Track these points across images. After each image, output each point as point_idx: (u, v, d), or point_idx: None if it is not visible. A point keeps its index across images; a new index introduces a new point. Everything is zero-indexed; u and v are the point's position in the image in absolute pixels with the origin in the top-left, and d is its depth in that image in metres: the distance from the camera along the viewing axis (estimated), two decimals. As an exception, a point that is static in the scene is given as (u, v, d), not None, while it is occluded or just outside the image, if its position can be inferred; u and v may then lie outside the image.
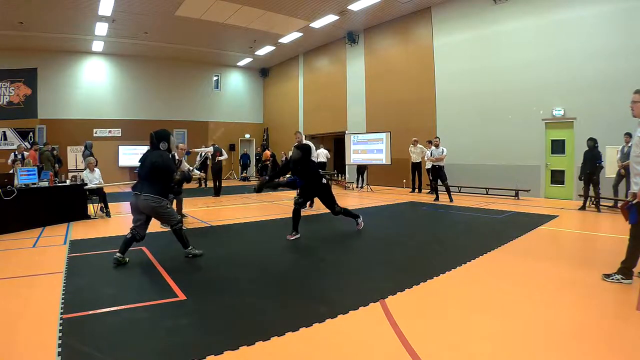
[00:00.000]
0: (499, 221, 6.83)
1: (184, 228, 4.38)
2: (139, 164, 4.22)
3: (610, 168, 7.99)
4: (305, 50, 17.22)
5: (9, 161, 10.81)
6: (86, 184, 7.24)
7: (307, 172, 5.52)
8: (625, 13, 8.28)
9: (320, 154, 12.99)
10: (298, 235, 5.32)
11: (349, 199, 10.70)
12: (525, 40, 9.91)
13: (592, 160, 7.68)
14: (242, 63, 19.06)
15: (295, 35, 14.57)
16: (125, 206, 8.97)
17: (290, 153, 8.36)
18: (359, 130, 14.29)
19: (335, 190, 12.07)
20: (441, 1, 11.70)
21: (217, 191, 10.87)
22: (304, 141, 8.37)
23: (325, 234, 5.90)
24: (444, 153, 9.61)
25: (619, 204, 4.26)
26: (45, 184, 6.66)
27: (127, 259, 4.14)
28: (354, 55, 15.01)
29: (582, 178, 7.89)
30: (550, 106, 9.50)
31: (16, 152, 10.99)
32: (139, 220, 4.18)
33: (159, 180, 4.06)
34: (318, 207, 8.45)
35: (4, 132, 14.43)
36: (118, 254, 4.09)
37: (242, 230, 6.23)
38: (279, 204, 8.35)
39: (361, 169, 13.42)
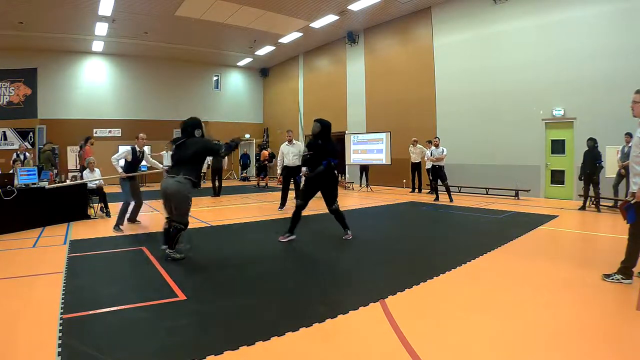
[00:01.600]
0: (499, 221, 6.83)
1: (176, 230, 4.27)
2: (174, 148, 4.32)
3: (610, 168, 7.99)
4: (305, 50, 17.22)
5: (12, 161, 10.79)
6: (86, 183, 7.25)
7: (325, 150, 5.09)
8: (625, 13, 8.29)
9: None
10: (293, 237, 5.18)
11: (350, 199, 10.69)
12: (525, 40, 9.91)
13: (592, 161, 7.68)
14: (242, 63, 19.06)
15: (295, 35, 14.58)
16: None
17: (280, 151, 8.34)
18: (359, 130, 14.29)
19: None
20: (441, 1, 11.70)
21: (218, 191, 10.85)
22: (295, 140, 8.42)
23: (324, 234, 5.89)
24: (444, 153, 9.61)
25: (619, 204, 4.26)
26: (45, 184, 6.66)
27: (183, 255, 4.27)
28: (354, 55, 15.01)
29: (582, 178, 7.89)
30: (550, 106, 9.50)
31: (18, 152, 10.93)
32: (167, 207, 4.27)
33: (199, 166, 4.27)
34: (318, 207, 8.45)
35: (4, 132, 14.44)
36: (163, 246, 4.29)
37: (242, 231, 6.23)
38: (278, 204, 8.35)
39: (363, 168, 13.33)
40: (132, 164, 6.36)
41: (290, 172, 8.25)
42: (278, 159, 8.47)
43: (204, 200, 10.13)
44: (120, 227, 6.08)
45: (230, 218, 7.29)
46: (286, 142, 8.30)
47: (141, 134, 6.61)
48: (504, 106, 10.37)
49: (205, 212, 8.10)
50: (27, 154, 10.93)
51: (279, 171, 8.62)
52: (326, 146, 5.14)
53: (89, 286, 3.42)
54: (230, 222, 6.80)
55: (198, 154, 4.23)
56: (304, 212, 7.79)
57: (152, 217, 7.61)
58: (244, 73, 20.19)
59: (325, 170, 5.08)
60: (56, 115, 15.21)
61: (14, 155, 10.88)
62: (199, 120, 4.44)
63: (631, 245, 3.38)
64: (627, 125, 6.74)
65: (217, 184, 10.94)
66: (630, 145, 7.12)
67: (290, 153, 8.18)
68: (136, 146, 6.43)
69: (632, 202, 3.30)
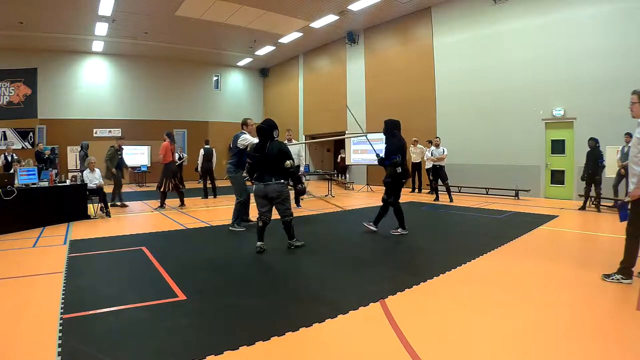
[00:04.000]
0: (499, 221, 6.83)
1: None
2: (256, 154, 4.42)
3: (610, 168, 7.99)
4: (305, 50, 17.22)
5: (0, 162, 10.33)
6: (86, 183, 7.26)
7: (386, 150, 5.44)
8: (625, 13, 8.28)
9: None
10: (406, 232, 5.48)
11: (350, 199, 10.70)
12: (525, 40, 9.91)
13: (594, 160, 7.68)
14: (242, 63, 19.06)
15: (295, 35, 14.58)
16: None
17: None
18: (359, 131, 14.27)
19: (335, 190, 12.10)
20: (441, 1, 11.70)
21: (213, 192, 10.47)
22: (292, 140, 8.34)
23: (324, 234, 5.89)
24: (444, 153, 9.61)
25: (618, 204, 4.27)
26: (45, 184, 6.66)
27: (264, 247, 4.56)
28: (354, 55, 15.02)
29: (584, 178, 7.88)
30: (550, 106, 9.50)
31: (6, 154, 10.69)
32: (265, 206, 4.52)
33: (283, 168, 4.38)
34: (316, 207, 8.45)
35: (4, 132, 14.43)
36: (259, 243, 4.53)
37: (242, 230, 6.22)
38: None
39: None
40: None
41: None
42: None
43: (203, 200, 10.11)
44: (238, 225, 5.99)
45: (230, 218, 7.28)
46: (285, 142, 8.24)
47: (249, 120, 6.37)
48: (504, 106, 10.37)
49: (205, 212, 8.10)
50: (14, 155, 10.69)
51: None
52: (387, 145, 5.45)
53: (89, 286, 3.42)
54: (230, 222, 6.78)
55: (282, 157, 4.36)
56: (302, 213, 7.84)
57: (153, 217, 7.61)
58: (244, 73, 20.19)
59: (388, 166, 5.43)
60: (56, 115, 15.21)
61: (2, 157, 10.38)
62: (274, 121, 4.58)
63: (629, 245, 3.38)
64: (627, 125, 6.72)
65: (208, 185, 10.52)
66: (630, 145, 7.14)
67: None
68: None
69: (626, 200, 3.31)
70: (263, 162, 4.41)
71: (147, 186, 14.27)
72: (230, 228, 6.00)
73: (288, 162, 4.35)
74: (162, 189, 8.36)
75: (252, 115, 20.16)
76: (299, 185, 4.45)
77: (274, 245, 4.99)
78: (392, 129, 5.53)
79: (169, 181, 8.33)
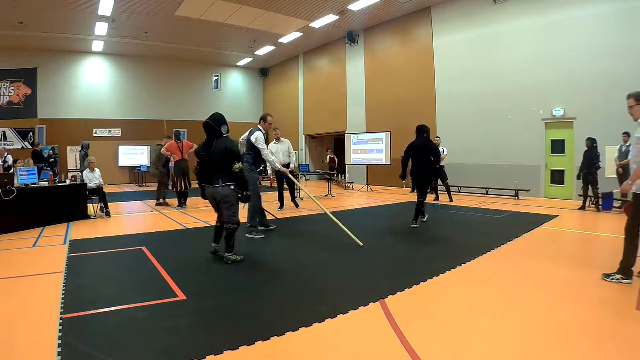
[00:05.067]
0: (499, 221, 6.83)
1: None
2: (202, 154, 4.06)
3: (610, 168, 7.99)
4: (305, 50, 17.23)
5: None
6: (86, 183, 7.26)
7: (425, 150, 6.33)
8: (625, 13, 8.28)
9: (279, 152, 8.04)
10: (417, 226, 6.13)
11: (350, 199, 10.70)
12: (526, 40, 9.91)
13: (590, 160, 7.69)
14: (242, 63, 19.06)
15: (295, 35, 14.58)
16: (125, 206, 8.97)
17: (269, 150, 8.01)
18: (359, 130, 14.29)
19: (335, 190, 12.10)
20: (441, 1, 11.71)
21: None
22: (283, 138, 8.24)
23: (324, 234, 5.89)
24: (444, 153, 9.62)
25: (623, 205, 4.27)
26: (45, 184, 6.66)
27: (242, 257, 4.23)
28: (354, 55, 15.02)
29: (580, 177, 7.88)
30: (550, 106, 9.50)
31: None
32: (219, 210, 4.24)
33: (231, 169, 3.92)
34: (316, 208, 8.45)
35: (4, 132, 14.44)
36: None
37: (242, 231, 6.20)
38: (277, 204, 8.35)
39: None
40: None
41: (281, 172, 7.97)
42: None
43: (203, 200, 10.08)
44: (256, 232, 5.47)
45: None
46: (274, 141, 8.14)
47: (269, 117, 6.02)
48: (504, 106, 10.37)
49: (205, 212, 8.09)
50: (9, 156, 10.63)
51: (269, 171, 8.50)
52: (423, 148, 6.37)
53: (89, 286, 3.42)
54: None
55: (229, 156, 3.92)
56: (302, 213, 7.84)
57: (153, 217, 7.61)
58: (244, 73, 20.19)
59: (403, 161, 6.50)
60: (56, 115, 15.21)
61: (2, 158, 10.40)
62: (222, 115, 4.18)
63: (628, 245, 3.39)
64: (626, 125, 6.69)
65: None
66: (628, 144, 7.16)
67: (280, 151, 7.91)
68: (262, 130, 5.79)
69: (614, 192, 3.33)
70: (209, 162, 4.01)
71: (147, 186, 14.25)
72: (247, 235, 5.44)
73: (237, 165, 3.90)
74: (176, 189, 8.50)
75: (252, 115, 20.31)
76: (244, 193, 4.05)
77: (274, 246, 4.99)
78: (416, 132, 6.47)
79: (180, 179, 8.41)
